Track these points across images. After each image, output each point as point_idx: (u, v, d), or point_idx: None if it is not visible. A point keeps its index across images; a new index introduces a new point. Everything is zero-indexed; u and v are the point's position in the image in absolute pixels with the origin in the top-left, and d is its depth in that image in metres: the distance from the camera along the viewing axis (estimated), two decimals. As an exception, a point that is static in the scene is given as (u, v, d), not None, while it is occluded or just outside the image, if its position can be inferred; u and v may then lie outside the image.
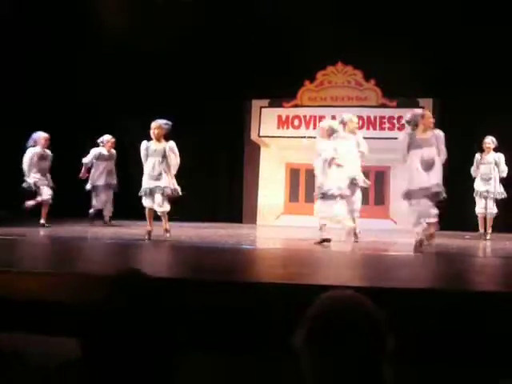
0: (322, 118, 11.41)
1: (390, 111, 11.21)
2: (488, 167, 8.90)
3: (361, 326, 1.53)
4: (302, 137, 11.38)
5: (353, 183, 7.61)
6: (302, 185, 11.46)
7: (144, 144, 7.36)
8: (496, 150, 8.90)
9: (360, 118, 11.25)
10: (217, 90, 10.60)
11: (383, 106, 11.23)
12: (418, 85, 10.26)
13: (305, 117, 11.51)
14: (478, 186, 9.08)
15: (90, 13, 10.12)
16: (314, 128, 11.44)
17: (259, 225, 10.88)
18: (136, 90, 10.56)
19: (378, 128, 11.25)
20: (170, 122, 7.33)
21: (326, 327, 1.54)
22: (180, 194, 7.37)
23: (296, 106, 11.53)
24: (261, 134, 11.55)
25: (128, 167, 9.64)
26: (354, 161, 7.69)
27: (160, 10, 10.19)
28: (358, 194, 7.82)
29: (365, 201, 11.16)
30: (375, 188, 11.20)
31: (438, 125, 10.65)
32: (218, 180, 10.72)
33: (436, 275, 4.77)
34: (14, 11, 9.70)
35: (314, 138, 8.03)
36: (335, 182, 7.17)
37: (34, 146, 9.16)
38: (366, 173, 11.13)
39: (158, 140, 7.28)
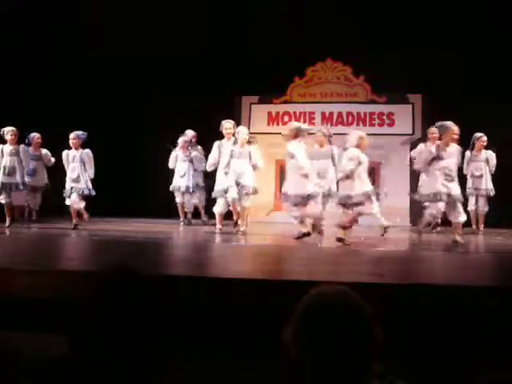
0: (311, 114, 11.44)
1: (379, 107, 11.24)
2: (479, 164, 9.00)
3: (349, 320, 1.53)
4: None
5: None
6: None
7: (65, 152, 8.57)
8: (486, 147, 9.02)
9: (349, 114, 11.31)
10: (206, 87, 10.58)
11: (372, 101, 11.25)
12: (407, 80, 10.29)
13: (294, 113, 11.51)
14: (469, 183, 9.18)
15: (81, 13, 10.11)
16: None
17: (249, 221, 10.85)
18: (124, 89, 10.54)
19: (367, 124, 11.27)
20: (85, 133, 8.54)
21: (315, 322, 1.55)
22: (94, 193, 8.52)
23: (286, 102, 11.53)
24: (251, 131, 11.49)
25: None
26: None
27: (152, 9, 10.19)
28: None
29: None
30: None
31: (427, 121, 10.75)
32: (209, 177, 10.69)
33: (428, 270, 4.78)
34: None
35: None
36: None
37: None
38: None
39: (76, 148, 8.51)
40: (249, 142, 8.57)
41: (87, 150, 8.56)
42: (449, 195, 7.03)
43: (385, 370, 1.55)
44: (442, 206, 7.44)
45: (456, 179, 7.21)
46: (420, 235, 7.68)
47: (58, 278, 3.43)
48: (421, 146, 9.46)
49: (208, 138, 9.36)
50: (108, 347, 1.67)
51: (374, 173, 11.18)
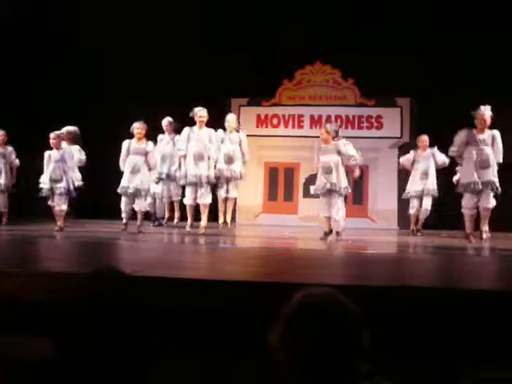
0: (300, 116, 11.47)
1: (368, 110, 11.28)
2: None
3: (336, 323, 1.53)
4: (279, 136, 11.43)
5: None
6: (281, 184, 11.48)
7: (47, 153, 8.30)
8: None
9: (338, 117, 11.34)
10: (195, 88, 10.55)
11: (361, 105, 11.29)
12: (395, 84, 10.32)
13: (283, 116, 11.53)
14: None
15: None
16: (293, 127, 11.50)
17: (238, 223, 10.87)
18: (112, 90, 10.49)
19: (356, 127, 11.31)
20: (57, 133, 8.38)
21: (301, 325, 1.54)
22: (74, 195, 8.30)
23: (275, 104, 11.54)
24: (240, 133, 11.53)
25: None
26: None
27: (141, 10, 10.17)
28: None
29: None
30: (354, 187, 11.23)
31: (416, 124, 10.80)
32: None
33: (413, 273, 4.79)
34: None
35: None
36: None
37: None
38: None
39: (57, 148, 8.27)
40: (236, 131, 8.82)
41: (70, 150, 8.44)
42: (482, 183, 6.82)
43: (372, 371, 1.55)
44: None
45: (491, 165, 6.90)
46: (471, 238, 7.13)
47: (44, 280, 3.41)
48: (412, 152, 9.48)
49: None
50: (94, 348, 1.66)
51: (361, 176, 11.24)
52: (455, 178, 8.34)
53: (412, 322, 2.99)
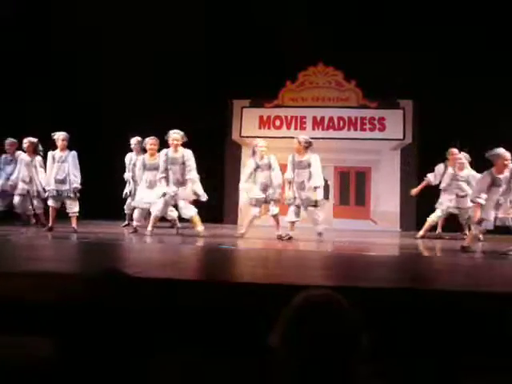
0: (303, 118, 11.46)
1: (370, 112, 11.26)
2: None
3: (336, 325, 1.53)
4: (282, 137, 11.41)
5: None
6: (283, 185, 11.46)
7: (50, 153, 8.44)
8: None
9: (341, 118, 11.34)
10: (197, 90, 10.58)
11: (364, 106, 11.28)
12: (398, 86, 10.32)
13: (286, 117, 11.52)
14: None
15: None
16: (296, 128, 11.49)
17: (240, 225, 10.86)
18: (112, 91, 10.50)
19: (358, 129, 11.29)
20: (68, 135, 8.40)
21: (302, 326, 1.54)
22: (78, 195, 8.30)
23: (277, 106, 11.53)
24: (242, 134, 11.53)
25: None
26: None
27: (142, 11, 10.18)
28: None
29: (345, 201, 11.30)
30: (356, 189, 11.25)
31: (417, 126, 10.81)
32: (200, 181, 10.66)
33: (412, 275, 4.79)
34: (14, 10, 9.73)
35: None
36: None
37: None
38: (346, 173, 11.29)
39: (63, 150, 8.36)
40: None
41: (74, 152, 8.40)
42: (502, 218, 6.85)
43: (370, 373, 1.55)
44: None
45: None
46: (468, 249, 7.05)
47: (44, 281, 3.41)
48: (440, 166, 9.16)
49: (200, 142, 9.34)
50: (94, 349, 1.66)
51: (364, 177, 11.24)
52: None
53: (410, 323, 2.99)
